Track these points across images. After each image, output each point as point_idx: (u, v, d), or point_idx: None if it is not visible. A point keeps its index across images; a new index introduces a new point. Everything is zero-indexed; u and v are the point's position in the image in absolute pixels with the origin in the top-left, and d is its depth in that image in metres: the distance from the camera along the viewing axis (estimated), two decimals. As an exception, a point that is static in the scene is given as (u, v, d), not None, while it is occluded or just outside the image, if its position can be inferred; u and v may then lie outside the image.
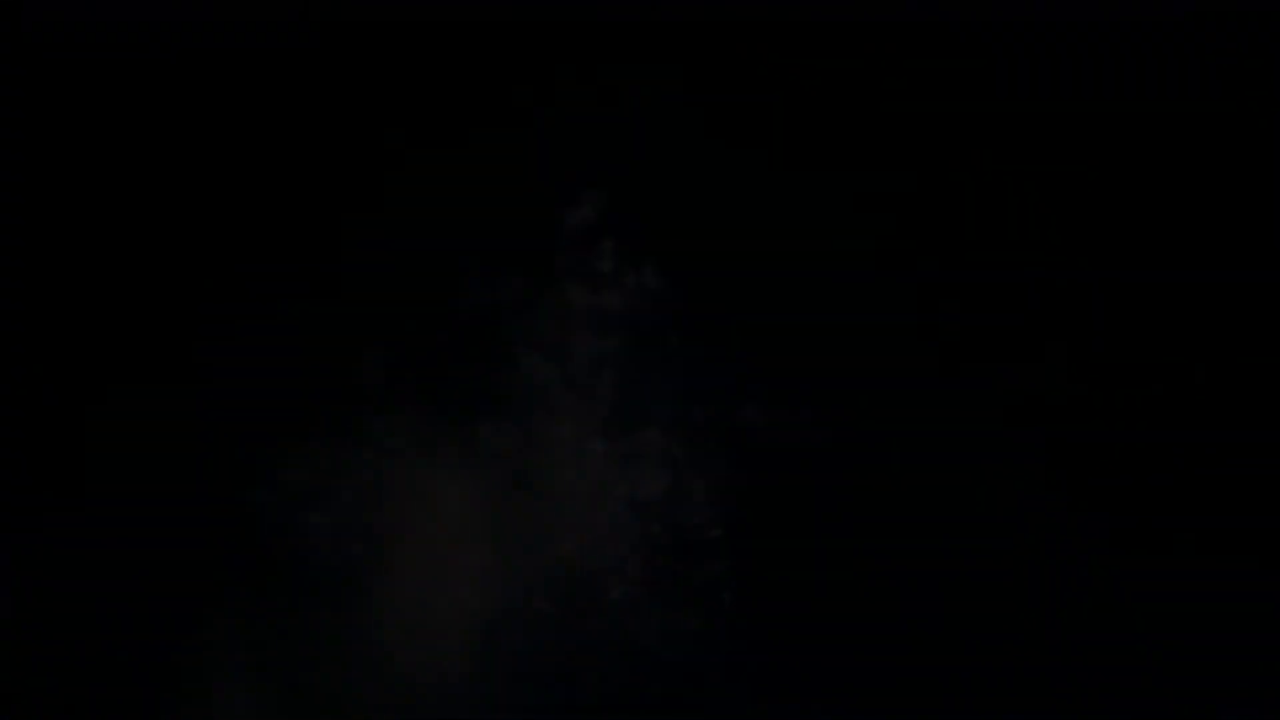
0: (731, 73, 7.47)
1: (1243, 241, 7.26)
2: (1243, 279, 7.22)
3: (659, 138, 7.28)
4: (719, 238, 7.28)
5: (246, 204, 7.39)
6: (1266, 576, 6.94)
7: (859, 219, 7.32)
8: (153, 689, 6.84)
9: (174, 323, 7.27)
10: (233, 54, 7.47)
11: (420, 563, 6.99)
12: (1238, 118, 7.28)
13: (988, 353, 7.24)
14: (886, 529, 7.02)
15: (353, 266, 7.29)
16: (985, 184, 7.42)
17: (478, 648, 6.86)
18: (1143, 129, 7.32)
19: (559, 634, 6.88)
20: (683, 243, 7.24)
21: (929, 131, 7.43)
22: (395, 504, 7.03)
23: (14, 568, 6.98)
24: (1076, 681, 6.93)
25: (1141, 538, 7.02)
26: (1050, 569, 6.94)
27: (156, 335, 7.26)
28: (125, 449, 7.08)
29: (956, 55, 7.42)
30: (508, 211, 7.30)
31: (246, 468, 7.03)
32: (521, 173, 7.31)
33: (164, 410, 7.11)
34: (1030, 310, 7.29)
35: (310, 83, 7.46)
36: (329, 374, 7.17)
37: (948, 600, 6.95)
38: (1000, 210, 7.40)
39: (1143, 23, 7.31)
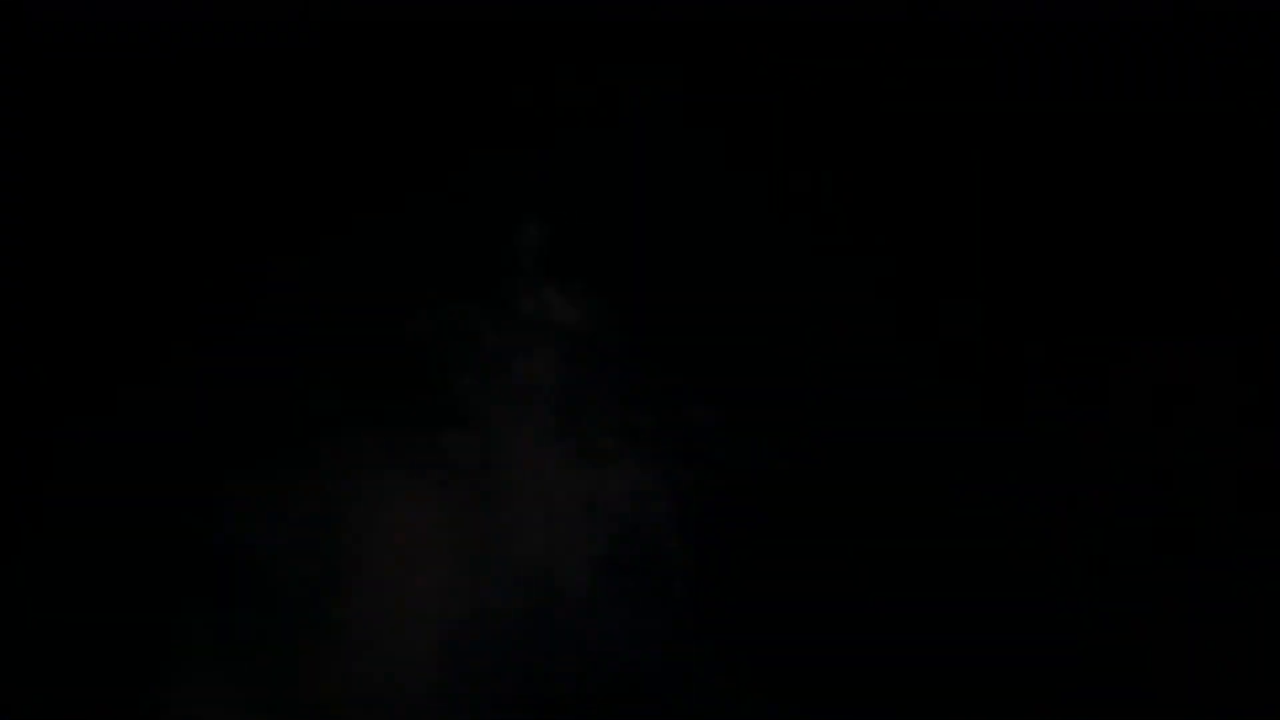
0: (731, 72, 7.48)
1: (1243, 241, 7.26)
2: (1243, 279, 7.22)
3: (624, 149, 7.33)
4: (664, 248, 7.31)
5: (211, 219, 7.39)
6: (1266, 575, 6.95)
7: (852, 219, 7.36)
8: (119, 705, 6.85)
9: (134, 341, 7.24)
10: (231, 54, 7.48)
11: (382, 575, 7.03)
12: (1238, 118, 7.28)
13: (965, 351, 7.27)
14: (843, 526, 7.05)
15: (309, 285, 7.30)
16: (985, 184, 7.42)
17: (443, 654, 6.94)
18: (1142, 129, 7.32)
19: (522, 637, 6.96)
20: (627, 255, 7.29)
21: (929, 131, 7.44)
22: (354, 519, 7.07)
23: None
24: (1051, 684, 6.94)
25: (1113, 539, 7.05)
26: (1016, 565, 6.99)
27: (116, 350, 7.24)
28: (85, 468, 7.09)
29: (956, 55, 7.43)
30: (458, 230, 7.32)
31: (204, 487, 7.04)
32: (471, 192, 7.34)
33: (123, 428, 7.12)
34: (1018, 312, 7.31)
35: (307, 87, 7.48)
36: (284, 394, 7.17)
37: (907, 595, 6.98)
38: (1000, 210, 7.40)
39: (1142, 23, 7.32)
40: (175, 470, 7.07)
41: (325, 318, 7.23)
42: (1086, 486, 7.06)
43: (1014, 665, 6.90)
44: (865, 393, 7.19)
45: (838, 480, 7.10)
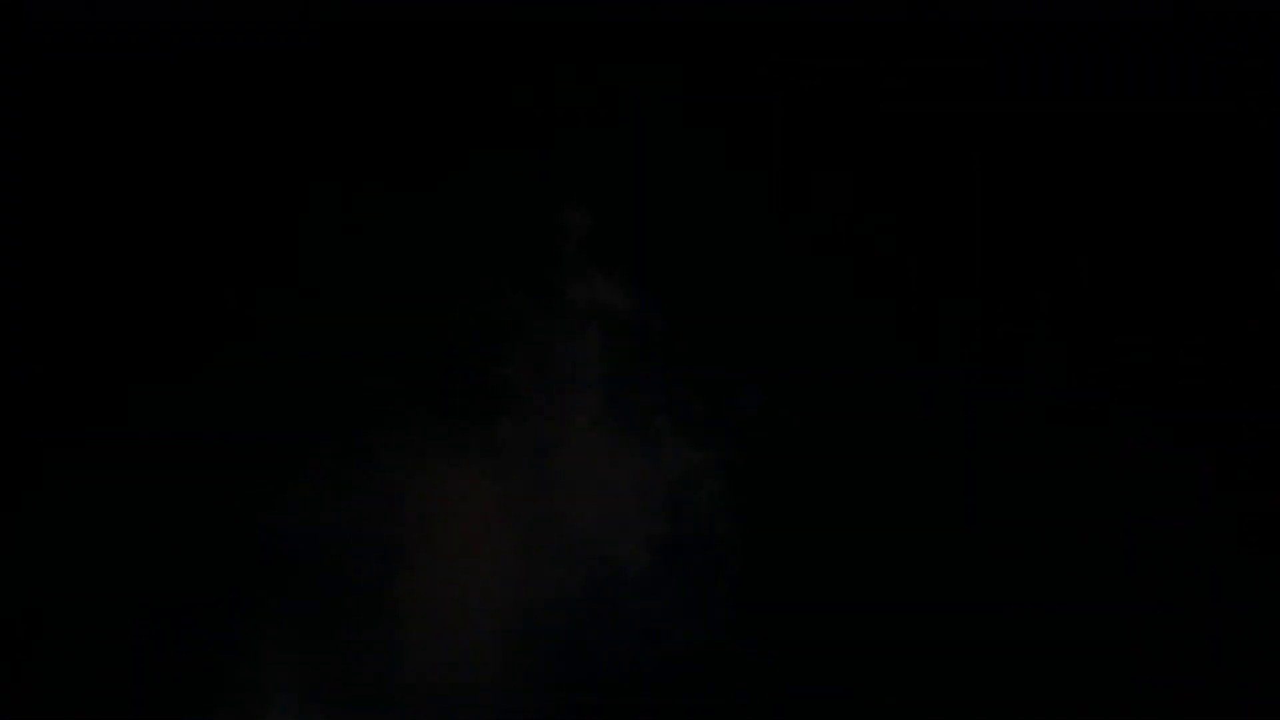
0: (732, 73, 7.49)
1: (1243, 241, 7.26)
2: (1242, 278, 7.22)
3: (651, 142, 7.35)
4: (710, 240, 7.37)
5: (248, 211, 7.43)
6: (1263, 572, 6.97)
7: (855, 216, 7.37)
8: (188, 699, 6.94)
9: (180, 333, 7.32)
10: (230, 54, 7.48)
11: (441, 560, 7.14)
12: (1238, 118, 7.28)
13: (981, 344, 7.30)
14: (891, 503, 7.15)
15: (356, 275, 7.37)
16: (984, 184, 7.43)
17: (501, 636, 7.06)
18: (1143, 129, 7.33)
19: (579, 617, 7.10)
20: (674, 244, 7.36)
21: (929, 132, 7.44)
22: (413, 507, 7.17)
23: (17, 574, 7.02)
24: (1084, 677, 6.97)
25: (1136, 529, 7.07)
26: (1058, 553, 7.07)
27: (160, 344, 7.31)
28: (135, 460, 7.16)
29: (956, 55, 7.43)
30: (507, 218, 7.39)
31: (260, 480, 7.12)
32: (518, 180, 7.40)
33: (171, 422, 7.19)
34: (1026, 306, 7.32)
35: (310, 85, 7.48)
36: (342, 385, 7.25)
37: (953, 579, 7.07)
38: (999, 210, 7.40)
39: (1143, 23, 7.32)
40: (236, 459, 7.14)
41: (377, 310, 7.30)
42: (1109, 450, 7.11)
43: (1067, 630, 6.96)
44: (908, 373, 7.27)
45: (884, 458, 7.19)
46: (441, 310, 7.31)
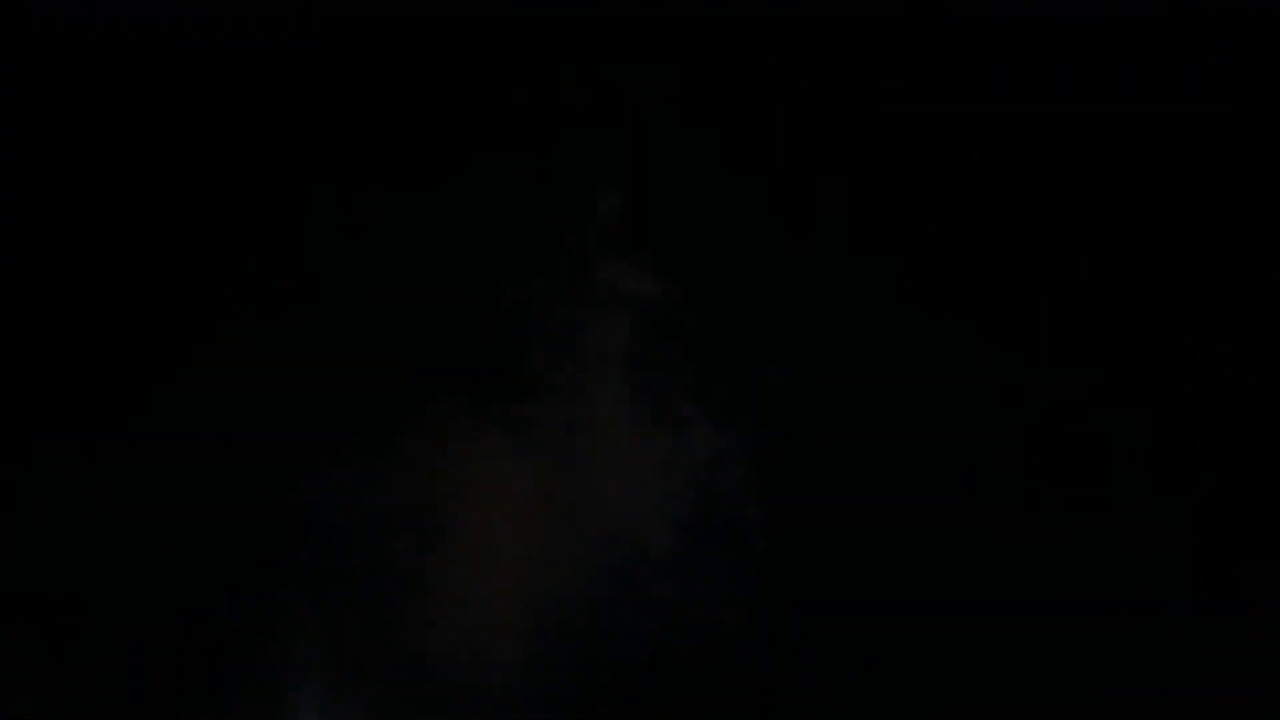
0: (731, 73, 7.50)
1: (1242, 241, 7.28)
2: (1242, 278, 7.24)
3: (666, 135, 7.37)
4: (738, 226, 7.39)
5: (269, 202, 7.44)
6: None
7: (860, 213, 7.40)
8: (214, 695, 6.96)
9: (211, 320, 7.35)
10: (233, 54, 7.48)
11: (469, 542, 7.15)
12: (1238, 118, 7.30)
13: (989, 342, 7.34)
14: (915, 485, 7.17)
15: (381, 263, 7.38)
16: (984, 184, 7.44)
17: (531, 618, 7.08)
18: (1143, 129, 7.34)
19: (608, 598, 7.11)
20: (699, 231, 7.38)
21: (929, 132, 7.45)
22: (442, 488, 7.19)
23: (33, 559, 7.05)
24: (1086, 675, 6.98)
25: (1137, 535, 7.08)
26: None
27: (190, 332, 7.34)
28: (180, 439, 7.17)
29: (956, 55, 7.44)
30: (532, 206, 7.41)
31: (287, 463, 7.13)
32: (545, 166, 7.41)
33: (204, 408, 7.22)
34: (1032, 304, 7.35)
35: (314, 83, 7.48)
36: (366, 369, 7.26)
37: (979, 566, 7.07)
38: (999, 209, 7.42)
39: (1143, 23, 7.33)
40: (266, 441, 7.15)
41: (405, 292, 7.31)
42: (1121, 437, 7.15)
43: (1089, 617, 6.96)
44: (936, 360, 7.27)
45: (910, 444, 7.20)
46: (468, 295, 7.31)
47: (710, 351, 7.30)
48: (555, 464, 7.23)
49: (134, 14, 7.43)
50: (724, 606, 7.11)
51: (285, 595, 7.03)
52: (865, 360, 7.29)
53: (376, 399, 7.23)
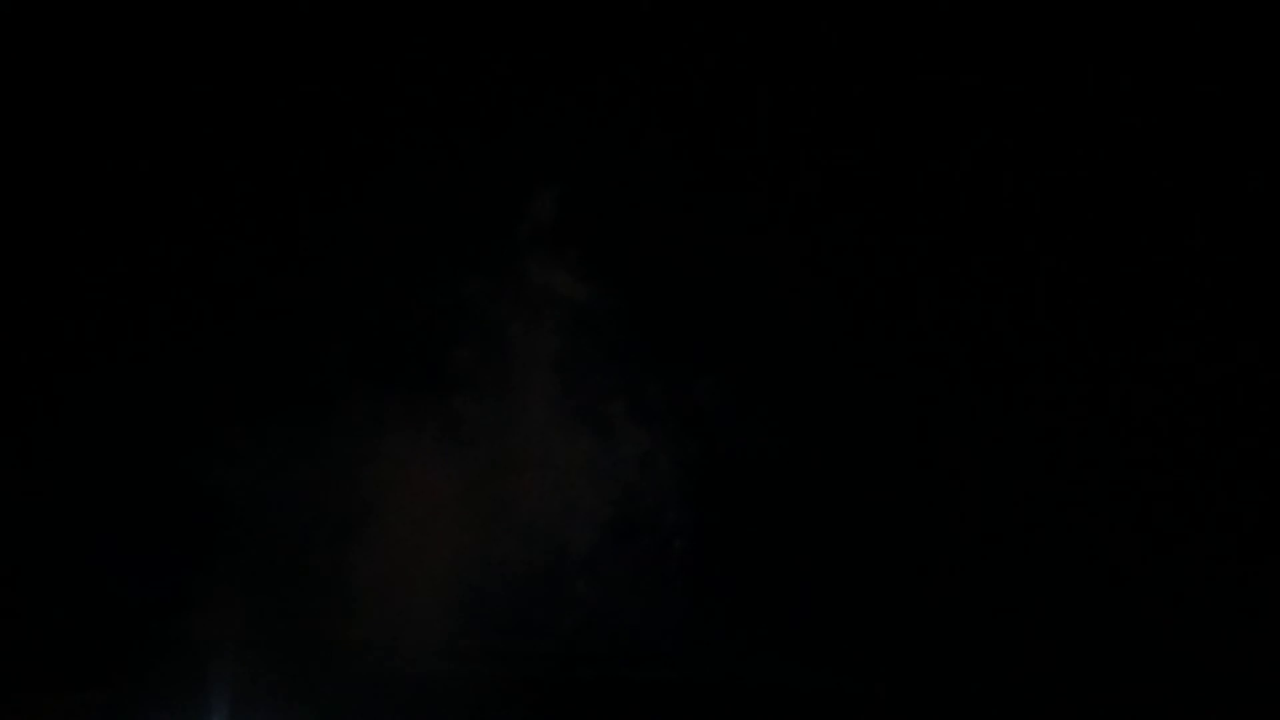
0: (668, 78, 7.54)
1: (1242, 241, 7.28)
2: (1242, 278, 7.25)
3: (602, 138, 7.42)
4: (671, 232, 7.44)
5: (217, 194, 7.47)
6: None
7: (794, 223, 7.46)
8: (133, 668, 6.98)
9: (147, 306, 7.41)
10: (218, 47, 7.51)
11: (392, 534, 7.27)
12: (1238, 117, 7.30)
13: (960, 337, 7.38)
14: (838, 491, 7.29)
15: (322, 256, 7.44)
16: (984, 184, 7.45)
17: (452, 611, 7.24)
18: (1143, 129, 7.35)
19: (528, 595, 7.29)
20: (635, 235, 7.43)
21: (929, 131, 7.47)
22: (366, 480, 7.31)
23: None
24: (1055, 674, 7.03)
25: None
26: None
27: (125, 319, 7.39)
28: (91, 430, 7.24)
29: (956, 55, 7.45)
30: (473, 205, 7.46)
31: (214, 448, 7.21)
32: (480, 167, 7.46)
33: (133, 393, 7.29)
34: (1021, 304, 7.38)
35: (301, 79, 7.51)
36: (299, 359, 7.35)
37: (904, 565, 7.23)
38: (999, 209, 7.43)
39: (1143, 22, 7.34)
40: (194, 430, 7.24)
41: (340, 289, 7.40)
42: (1080, 486, 7.19)
43: (1003, 622, 7.09)
44: (864, 366, 7.36)
45: (836, 450, 7.31)
46: (401, 290, 7.41)
47: (639, 355, 7.40)
48: (481, 460, 7.35)
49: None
50: (642, 605, 7.27)
51: (202, 579, 7.10)
52: (792, 369, 7.38)
53: (303, 389, 7.31)
